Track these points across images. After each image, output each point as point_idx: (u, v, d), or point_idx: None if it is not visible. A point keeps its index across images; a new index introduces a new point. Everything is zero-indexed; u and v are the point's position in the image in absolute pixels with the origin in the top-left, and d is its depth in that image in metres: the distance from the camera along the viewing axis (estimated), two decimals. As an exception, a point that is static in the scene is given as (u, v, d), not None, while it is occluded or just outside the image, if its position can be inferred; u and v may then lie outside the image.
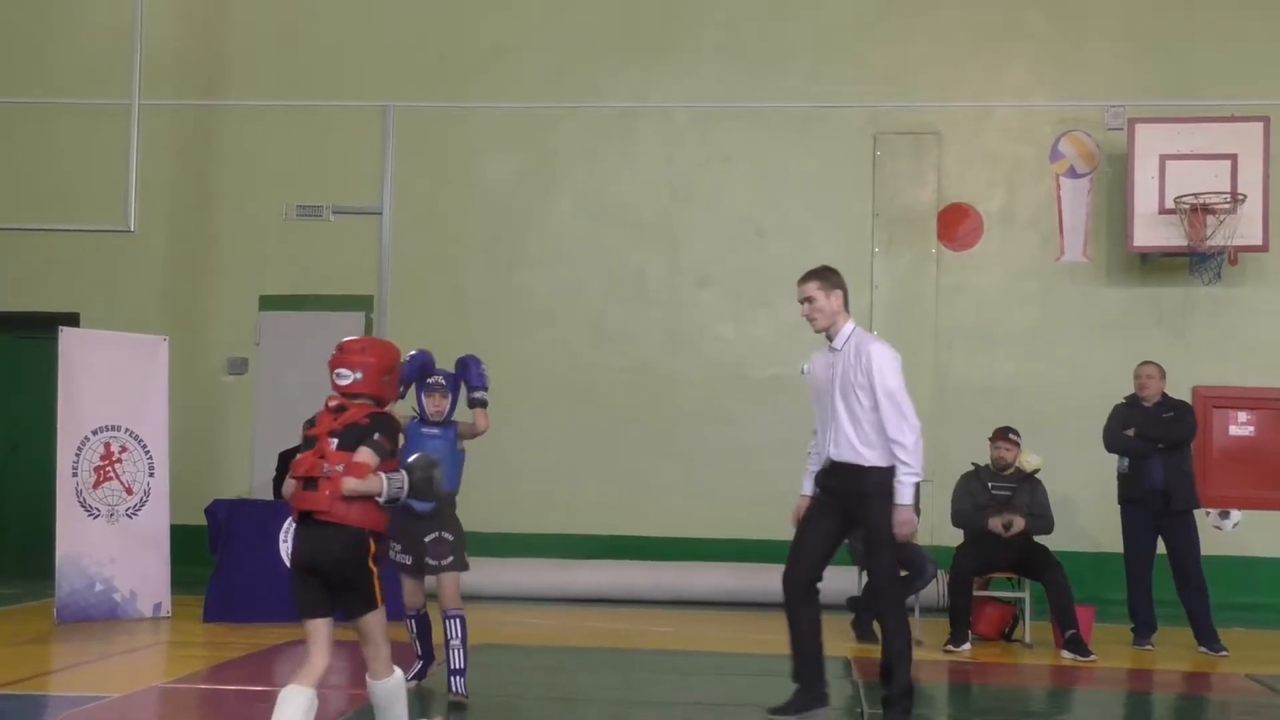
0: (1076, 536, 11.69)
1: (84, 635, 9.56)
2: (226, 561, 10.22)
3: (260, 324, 13.38)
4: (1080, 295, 12.85)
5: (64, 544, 10.03)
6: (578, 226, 13.31)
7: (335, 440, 5.38)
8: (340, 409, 5.50)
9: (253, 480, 12.83)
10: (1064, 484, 10.99)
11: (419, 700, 7.09)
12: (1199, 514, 10.16)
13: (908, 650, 6.81)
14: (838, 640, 9.00)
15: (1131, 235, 12.27)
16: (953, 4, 13.18)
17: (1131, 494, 9.95)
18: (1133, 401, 10.17)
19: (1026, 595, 10.13)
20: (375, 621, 5.43)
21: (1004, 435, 10.10)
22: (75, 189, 13.39)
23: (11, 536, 13.39)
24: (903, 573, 8.39)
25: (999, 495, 9.95)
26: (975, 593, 9.99)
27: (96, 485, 10.27)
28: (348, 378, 5.53)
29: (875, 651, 7.64)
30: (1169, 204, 12.04)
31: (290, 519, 5.79)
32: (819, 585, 6.89)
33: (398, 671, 5.54)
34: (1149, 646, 9.91)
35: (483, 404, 7.39)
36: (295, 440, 6.01)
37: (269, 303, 13.39)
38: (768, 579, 11.88)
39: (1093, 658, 9.31)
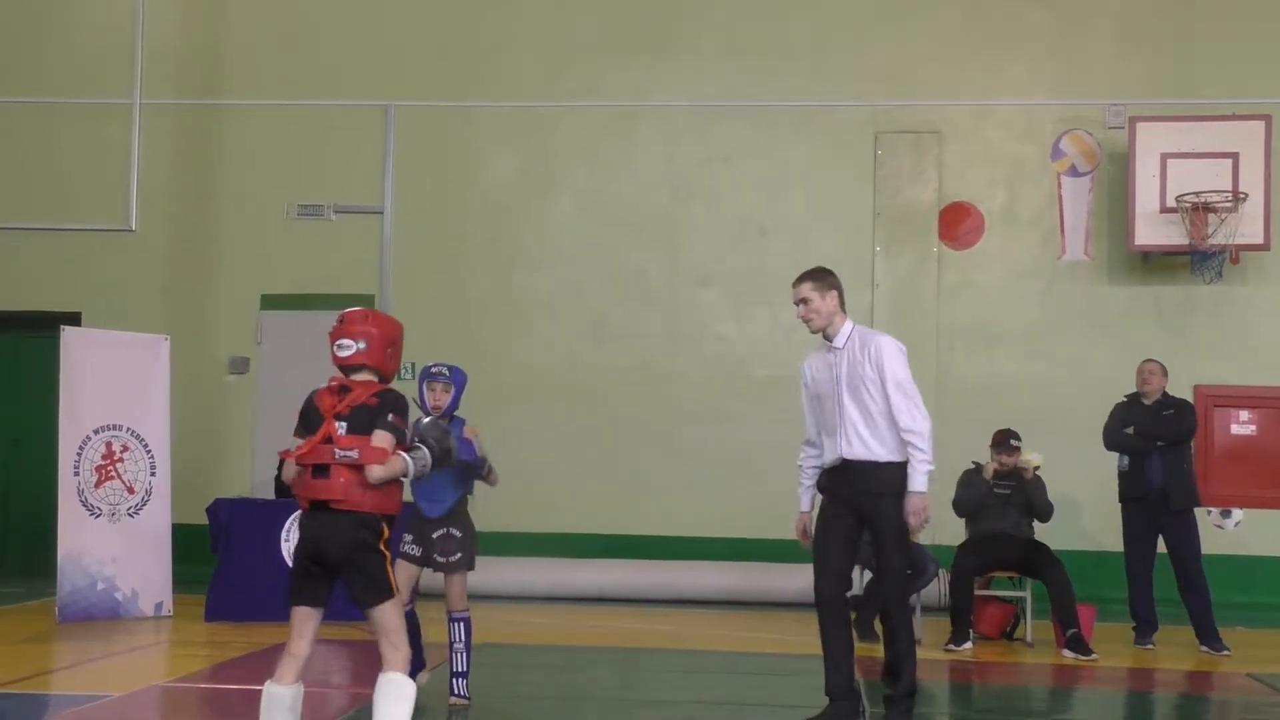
0: (1077, 535, 11.71)
1: (85, 634, 9.55)
2: (228, 561, 10.22)
3: (262, 323, 13.39)
4: (1081, 294, 12.85)
5: (65, 543, 10.03)
6: (578, 226, 13.31)
7: (344, 424, 5.09)
8: (344, 389, 5.19)
9: (254, 479, 12.84)
10: (1065, 483, 10.97)
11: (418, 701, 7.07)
12: (1200, 513, 10.14)
13: (912, 650, 6.81)
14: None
15: (1133, 234, 12.27)
16: (953, 3, 13.18)
17: (1132, 492, 9.92)
18: (1133, 399, 10.15)
19: (1028, 594, 10.12)
20: (392, 611, 5.13)
21: (1004, 441, 10.07)
22: (76, 188, 13.40)
23: (13, 535, 13.43)
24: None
25: (999, 493, 9.96)
26: (976, 592, 9.98)
27: (98, 484, 10.27)
28: (350, 348, 5.21)
29: (877, 650, 7.64)
30: (1170, 203, 12.04)
31: (292, 517, 5.66)
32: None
33: (412, 684, 5.17)
34: (1150, 645, 9.89)
35: (476, 476, 7.12)
36: (297, 440, 5.72)
37: (270, 302, 13.40)
38: (768, 578, 12.08)
39: (1094, 657, 9.31)
